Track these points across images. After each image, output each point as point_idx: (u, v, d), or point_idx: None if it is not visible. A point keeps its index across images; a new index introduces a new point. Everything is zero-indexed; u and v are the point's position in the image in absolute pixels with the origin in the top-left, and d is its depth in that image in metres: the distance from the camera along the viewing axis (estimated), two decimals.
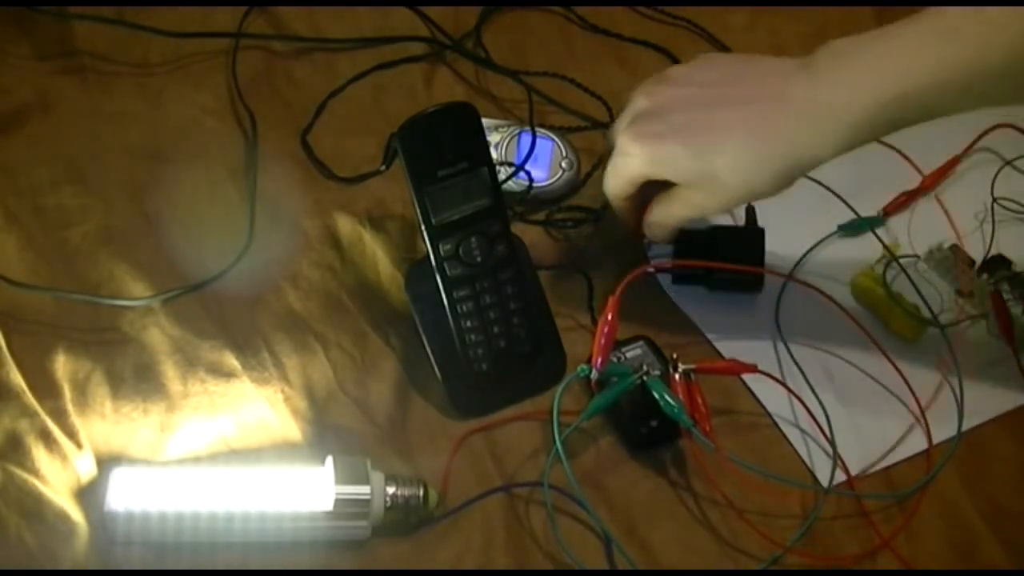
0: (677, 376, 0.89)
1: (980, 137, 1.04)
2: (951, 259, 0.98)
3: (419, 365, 0.92)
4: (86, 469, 0.85)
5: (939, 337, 0.95)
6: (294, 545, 0.83)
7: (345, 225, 0.98)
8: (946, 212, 0.98)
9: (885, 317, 0.96)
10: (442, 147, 0.86)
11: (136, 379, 0.90)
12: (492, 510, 0.87)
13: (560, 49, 1.11)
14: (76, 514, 0.83)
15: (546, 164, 1.01)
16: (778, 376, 0.93)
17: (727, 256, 0.95)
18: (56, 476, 0.85)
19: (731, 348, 0.94)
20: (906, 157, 1.00)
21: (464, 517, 0.86)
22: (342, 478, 0.82)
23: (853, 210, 1.02)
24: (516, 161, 0.99)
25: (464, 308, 0.89)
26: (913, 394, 0.92)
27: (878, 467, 0.90)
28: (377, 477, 0.83)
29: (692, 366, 0.89)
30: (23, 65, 1.07)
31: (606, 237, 0.99)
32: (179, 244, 0.96)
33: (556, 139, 1.01)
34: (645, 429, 0.89)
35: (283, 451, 0.88)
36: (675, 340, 0.94)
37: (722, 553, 0.86)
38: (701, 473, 0.88)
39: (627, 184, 0.91)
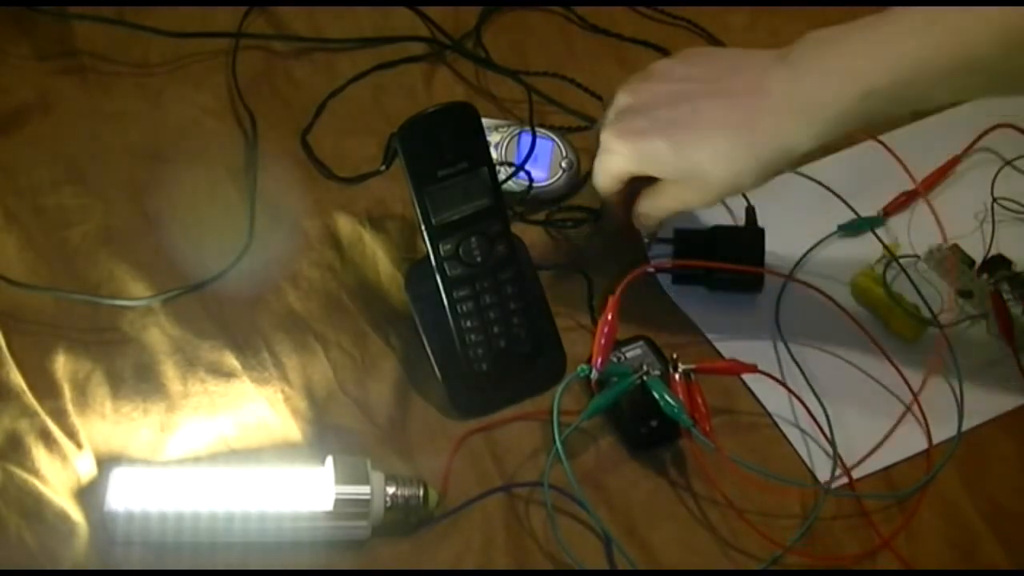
0: (677, 376, 0.89)
1: (980, 137, 1.04)
2: (951, 259, 0.98)
3: (419, 365, 0.92)
4: (86, 469, 0.85)
5: (939, 337, 0.95)
6: (294, 545, 0.83)
7: (345, 225, 0.98)
8: (935, 214, 0.98)
9: (885, 317, 0.96)
10: (442, 147, 0.86)
11: (136, 379, 0.90)
12: (492, 510, 0.87)
13: (560, 49, 1.11)
14: (76, 514, 0.83)
15: (546, 164, 1.01)
16: (778, 376, 0.93)
17: (727, 256, 0.95)
18: (56, 476, 0.85)
19: (731, 348, 0.94)
20: (902, 163, 1.00)
21: (464, 517, 0.86)
22: (342, 478, 0.82)
23: (853, 210, 1.02)
24: (516, 161, 0.99)
25: (464, 308, 0.89)
26: (913, 394, 0.92)
27: (878, 467, 0.90)
28: (377, 477, 0.83)
29: (692, 366, 0.89)
30: (23, 65, 1.07)
31: (606, 237, 0.99)
32: (179, 244, 0.97)
33: (556, 139, 1.02)
34: (645, 429, 0.89)
35: (283, 451, 0.88)
36: (675, 340, 0.94)
37: (722, 553, 0.86)
38: (701, 473, 0.88)
39: (613, 180, 0.91)
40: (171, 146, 1.03)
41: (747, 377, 0.93)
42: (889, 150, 1.01)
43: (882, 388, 0.93)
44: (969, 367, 0.93)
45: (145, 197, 0.99)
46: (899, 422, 0.91)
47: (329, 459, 0.83)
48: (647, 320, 0.94)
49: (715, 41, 1.12)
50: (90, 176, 1.01)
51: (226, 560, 0.83)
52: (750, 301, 0.97)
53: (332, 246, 0.98)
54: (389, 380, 0.92)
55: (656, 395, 0.87)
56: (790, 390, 0.92)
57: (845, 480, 0.89)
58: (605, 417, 0.90)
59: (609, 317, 0.88)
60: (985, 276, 0.96)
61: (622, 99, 0.91)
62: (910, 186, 1.02)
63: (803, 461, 0.90)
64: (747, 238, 0.97)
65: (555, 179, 1.00)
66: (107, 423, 0.88)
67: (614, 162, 0.90)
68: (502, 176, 0.94)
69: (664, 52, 1.11)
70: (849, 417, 0.91)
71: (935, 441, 0.91)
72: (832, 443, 0.90)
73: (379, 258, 0.97)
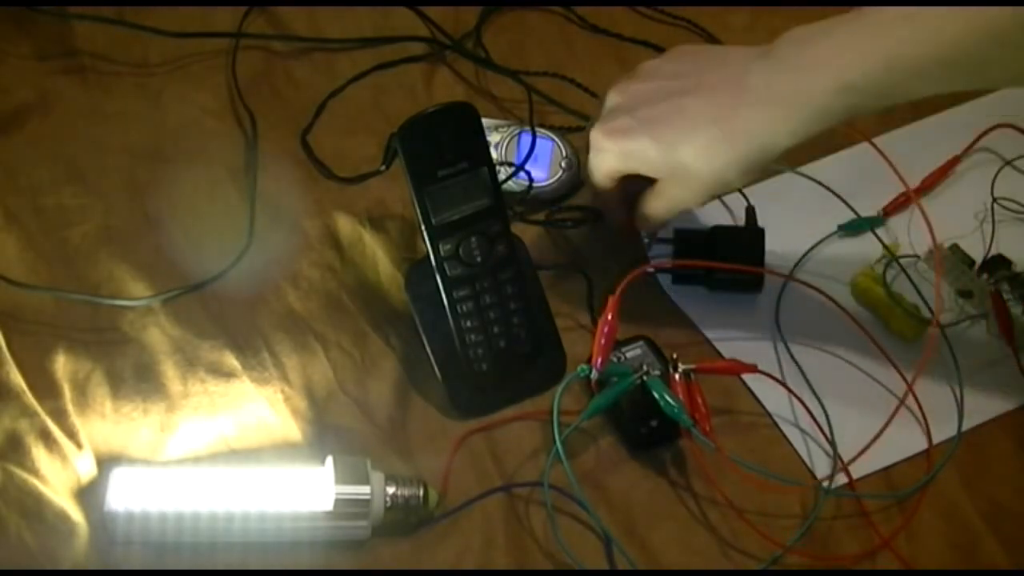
0: (677, 376, 0.89)
1: (980, 137, 1.04)
2: (951, 259, 0.98)
3: (419, 365, 0.92)
4: (86, 469, 0.85)
5: (939, 337, 0.95)
6: (294, 545, 0.83)
7: (345, 225, 0.98)
8: (926, 219, 0.98)
9: (885, 317, 0.96)
10: (442, 147, 0.86)
11: (136, 379, 0.90)
12: (492, 510, 0.87)
13: (560, 49, 1.11)
14: (76, 514, 0.83)
15: (546, 164, 1.01)
16: (778, 376, 0.93)
17: (727, 256, 0.95)
18: (56, 476, 0.85)
19: (731, 348, 0.94)
20: (894, 168, 1.00)
21: (464, 517, 0.86)
22: (342, 478, 0.82)
23: (853, 210, 1.02)
24: (516, 161, 0.99)
25: (464, 308, 0.89)
26: (913, 394, 0.92)
27: (878, 467, 0.90)
28: (377, 477, 0.83)
29: (692, 366, 0.89)
30: (23, 65, 1.07)
31: (606, 237, 0.99)
32: (179, 244, 0.97)
33: (556, 139, 1.02)
34: (645, 429, 0.89)
35: (283, 451, 0.88)
36: (675, 340, 0.94)
37: (722, 553, 0.86)
38: (701, 473, 0.88)
39: (604, 180, 0.92)
40: (171, 146, 1.03)
41: (747, 377, 0.93)
42: (882, 154, 1.00)
43: (882, 388, 0.93)
44: (969, 367, 0.93)
45: (145, 197, 0.99)
46: (899, 422, 0.91)
47: (329, 459, 0.83)
48: (647, 320, 0.94)
49: (715, 41, 1.12)
50: (90, 176, 1.01)
51: (226, 560, 0.83)
52: (750, 301, 0.97)
53: (332, 246, 0.98)
54: (389, 380, 0.92)
55: (656, 395, 0.87)
56: (790, 390, 0.92)
57: (845, 480, 0.89)
58: (605, 417, 0.90)
59: (609, 317, 0.88)
60: (985, 276, 0.96)
61: (611, 99, 0.92)
62: (910, 186, 1.02)
63: (803, 461, 0.90)
64: (747, 238, 0.97)
65: (555, 179, 1.00)
66: (107, 423, 0.88)
67: (603, 161, 0.91)
68: (502, 176, 0.94)
69: (664, 52, 1.11)
70: (849, 417, 0.91)
71: (935, 441, 0.91)
72: (832, 443, 0.90)
73: (379, 258, 0.97)
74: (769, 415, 0.92)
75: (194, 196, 1.00)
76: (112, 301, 0.93)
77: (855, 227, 1.01)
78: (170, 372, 0.91)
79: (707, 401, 0.89)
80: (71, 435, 0.87)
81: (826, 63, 0.83)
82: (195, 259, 0.95)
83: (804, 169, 1.03)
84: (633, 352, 0.92)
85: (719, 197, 1.00)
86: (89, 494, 0.84)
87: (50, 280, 0.94)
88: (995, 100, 1.05)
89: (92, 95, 1.05)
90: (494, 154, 0.99)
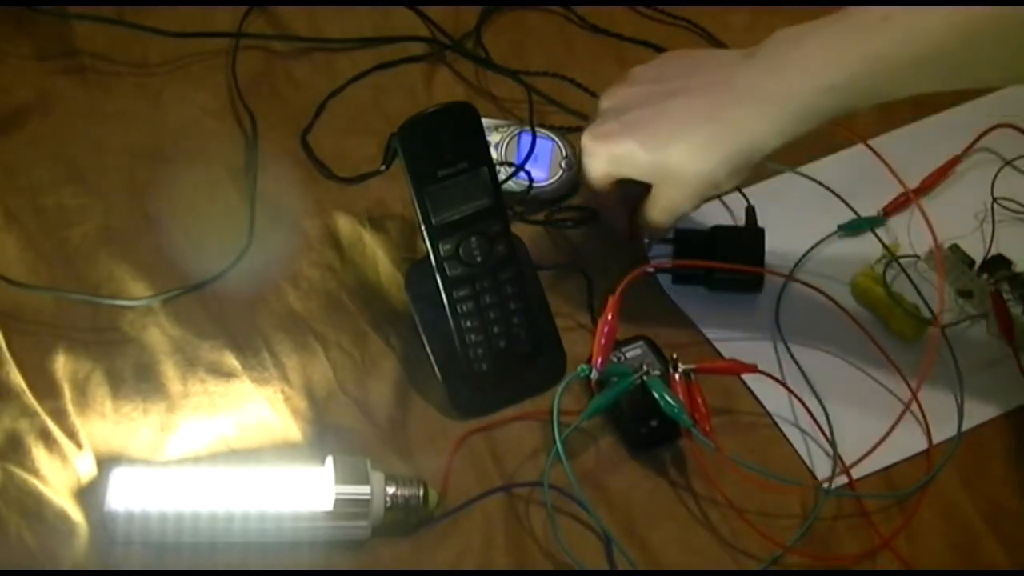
0: (677, 376, 0.89)
1: (980, 137, 1.04)
2: (951, 259, 0.98)
3: (419, 365, 0.92)
4: (86, 469, 0.85)
5: (939, 337, 0.95)
6: (294, 545, 0.83)
7: (345, 225, 0.98)
8: (926, 219, 0.98)
9: (885, 317, 0.96)
10: (442, 147, 0.86)
11: (136, 379, 0.90)
12: (492, 510, 0.87)
13: (560, 49, 1.11)
14: (76, 514, 0.83)
15: (546, 164, 1.01)
16: (778, 376, 0.93)
17: (727, 256, 0.95)
18: (56, 476, 0.85)
19: (731, 348, 0.94)
20: (891, 170, 1.00)
21: (464, 517, 0.86)
22: (342, 478, 0.82)
23: (853, 210, 1.02)
24: (516, 161, 0.99)
25: (464, 308, 0.89)
26: (913, 394, 0.92)
27: (878, 467, 0.90)
28: (377, 477, 0.83)
29: (692, 366, 0.89)
30: (23, 65, 1.07)
31: (606, 237, 0.99)
32: (179, 244, 0.97)
33: (556, 139, 1.02)
34: (645, 429, 0.89)
35: (283, 451, 0.88)
36: (675, 340, 0.94)
37: (722, 553, 0.86)
38: (701, 473, 0.88)
39: (598, 183, 0.92)
40: (171, 146, 1.03)
41: (747, 377, 0.93)
42: (879, 156, 1.01)
43: (882, 388, 0.93)
44: (969, 367, 0.93)
45: (145, 197, 1.00)
46: (899, 422, 0.91)
47: (329, 459, 0.83)
48: (647, 320, 0.94)
49: (715, 41, 1.12)
50: (90, 176, 1.01)
51: (226, 560, 0.83)
52: (750, 301, 0.97)
53: (332, 246, 0.98)
54: (389, 380, 0.92)
55: (656, 395, 0.87)
56: (790, 390, 0.92)
57: (845, 480, 0.89)
58: (605, 417, 0.90)
59: (609, 317, 0.88)
60: (985, 276, 0.96)
61: (601, 104, 0.93)
62: (911, 186, 1.02)
63: (803, 461, 0.90)
64: (747, 238, 0.98)
65: (555, 179, 1.00)
66: (107, 423, 0.88)
67: (593, 165, 0.92)
68: (502, 176, 0.94)
69: (664, 52, 1.11)
70: (849, 417, 0.91)
71: (935, 441, 0.91)
72: (832, 443, 0.90)
73: (379, 258, 0.97)
74: (769, 415, 0.92)
75: (194, 196, 1.00)
76: (112, 301, 0.93)
77: (855, 227, 1.01)
78: (170, 372, 0.91)
79: (707, 401, 0.89)
80: (71, 435, 0.87)
81: (811, 64, 0.84)
82: (195, 259, 0.95)
83: (804, 169, 1.03)
84: (633, 352, 0.92)
85: (718, 197, 1.00)
86: (89, 494, 0.84)
87: (50, 280, 0.94)
88: (995, 100, 1.05)
89: (92, 95, 1.06)
90: (494, 154, 0.99)
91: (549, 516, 0.86)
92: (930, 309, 0.95)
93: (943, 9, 0.79)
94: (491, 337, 0.90)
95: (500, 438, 0.90)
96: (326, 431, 0.89)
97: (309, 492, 0.83)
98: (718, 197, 1.00)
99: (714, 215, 0.99)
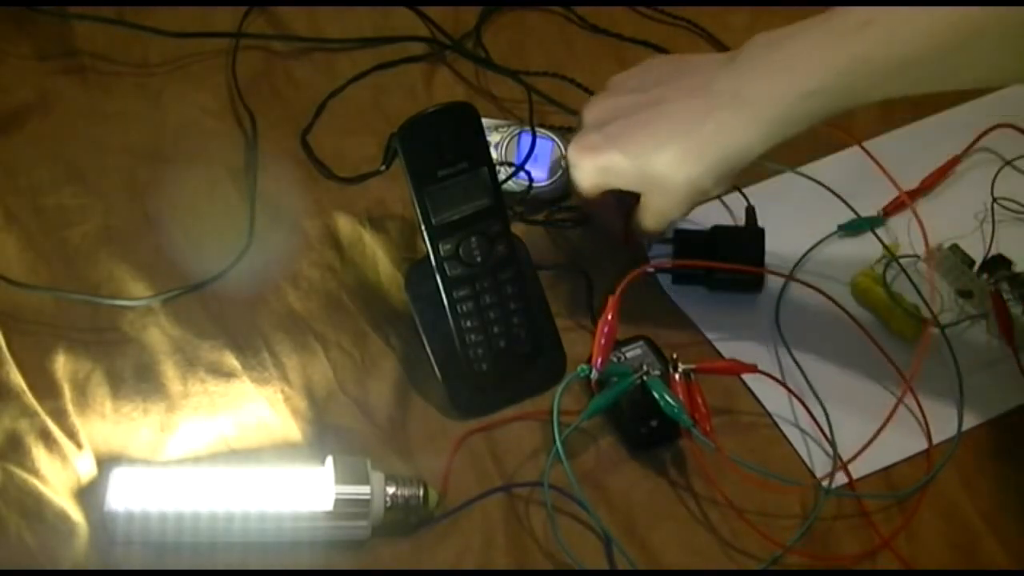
0: (677, 376, 0.89)
1: (980, 137, 1.04)
2: (951, 259, 0.98)
3: (419, 365, 0.92)
4: (86, 469, 0.85)
5: (939, 337, 0.95)
6: (294, 545, 0.83)
7: (345, 225, 0.98)
8: (920, 223, 0.98)
9: (885, 317, 0.96)
10: (442, 147, 0.86)
11: (136, 379, 0.90)
12: (492, 510, 0.87)
13: (560, 49, 1.11)
14: (76, 514, 0.83)
15: (546, 164, 1.01)
16: (778, 376, 0.93)
17: (727, 256, 0.95)
18: (56, 476, 0.85)
19: (731, 348, 0.94)
20: (887, 173, 1.00)
21: (464, 517, 0.86)
22: (342, 478, 0.82)
23: (853, 210, 1.02)
24: (516, 161, 0.99)
25: (464, 308, 0.89)
26: (913, 394, 0.92)
27: (878, 467, 0.90)
28: (377, 477, 0.83)
29: (692, 366, 0.89)
30: (23, 65, 1.07)
31: (605, 238, 0.99)
32: (179, 244, 0.97)
33: (556, 139, 1.02)
34: (645, 429, 0.89)
35: (283, 451, 0.88)
36: (675, 340, 0.94)
37: (722, 553, 0.86)
38: (701, 473, 0.88)
39: (588, 193, 0.92)
40: (171, 146, 1.03)
41: (747, 377, 0.93)
42: (873, 158, 1.01)
43: (882, 388, 0.93)
44: (969, 367, 0.93)
45: (145, 197, 1.00)
46: (899, 422, 0.91)
47: (329, 459, 0.83)
48: (647, 320, 0.94)
49: (715, 41, 1.12)
50: (90, 176, 1.01)
51: (226, 560, 0.83)
52: (750, 301, 0.97)
53: (332, 246, 0.98)
54: (389, 380, 0.92)
55: (656, 395, 0.87)
56: (790, 390, 0.92)
57: (845, 480, 0.89)
58: (605, 417, 0.90)
59: (609, 317, 0.88)
60: (985, 276, 0.96)
61: (585, 116, 0.92)
62: (910, 186, 1.02)
63: (803, 461, 0.90)
64: (747, 238, 0.98)
65: (555, 179, 1.00)
66: (107, 423, 0.88)
67: (581, 178, 0.92)
68: (502, 176, 0.94)
69: (664, 52, 1.11)
70: (849, 417, 0.91)
71: (935, 441, 0.91)
72: (832, 443, 0.90)
73: (379, 258, 0.97)
74: (769, 415, 0.92)
75: (194, 196, 1.00)
76: (112, 301, 0.93)
77: (855, 227, 1.01)
78: (170, 372, 0.91)
79: (707, 401, 0.89)
80: (71, 435, 0.87)
81: (790, 68, 0.84)
82: (195, 259, 0.95)
83: (804, 169, 1.03)
84: (633, 352, 0.92)
85: (718, 197, 1.00)
86: (89, 494, 0.84)
87: (50, 280, 0.94)
88: (995, 100, 1.05)
89: (92, 95, 1.06)
90: (494, 154, 0.99)
91: (549, 516, 0.86)
92: (930, 309, 0.95)
93: (925, 12, 0.79)
94: (491, 337, 0.90)
95: (500, 438, 0.90)
96: (326, 431, 0.89)
97: (309, 492, 0.83)
98: (718, 197, 1.00)
99: (714, 215, 0.99)
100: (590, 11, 1.13)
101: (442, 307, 0.89)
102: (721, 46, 1.12)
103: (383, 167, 0.90)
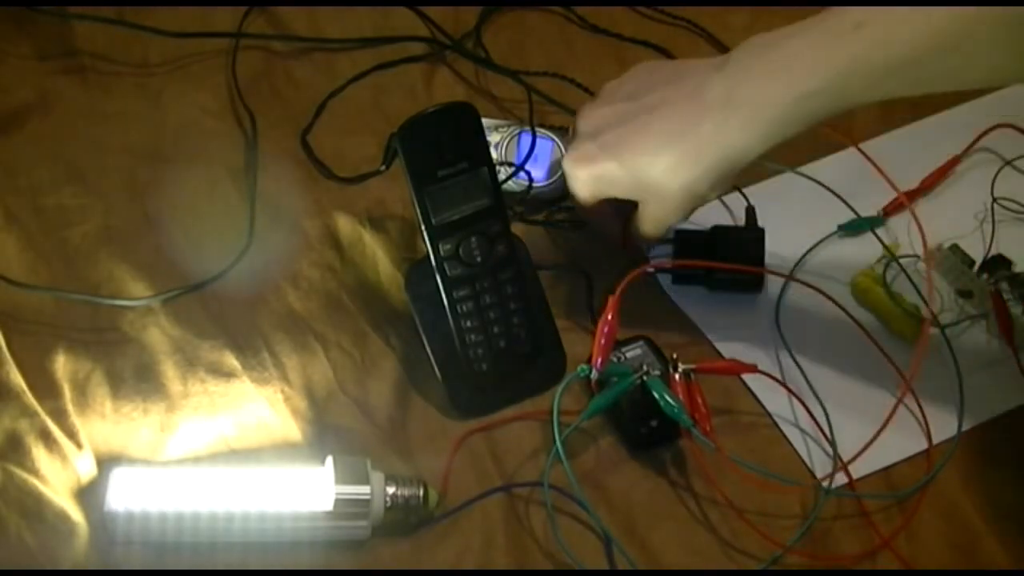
0: (677, 376, 0.89)
1: (980, 137, 1.04)
2: (951, 259, 0.98)
3: (419, 365, 0.92)
4: (86, 469, 0.85)
5: (939, 337, 0.95)
6: (294, 545, 0.83)
7: (345, 225, 0.98)
8: (918, 224, 0.98)
9: (885, 317, 0.96)
10: (442, 147, 0.86)
11: (136, 379, 0.90)
12: (492, 510, 0.86)
13: (560, 49, 1.11)
14: (76, 514, 0.83)
15: (546, 164, 1.01)
16: (778, 376, 0.93)
17: (727, 256, 0.95)
18: (56, 476, 0.85)
19: (731, 348, 0.94)
20: (884, 174, 1.00)
21: (464, 517, 0.86)
22: (342, 478, 0.82)
23: (853, 210, 1.02)
24: (516, 161, 0.99)
25: (464, 308, 0.89)
26: (913, 394, 0.92)
27: (878, 467, 0.90)
28: (377, 477, 0.83)
29: (692, 366, 0.89)
30: (23, 65, 1.07)
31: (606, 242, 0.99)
32: (179, 244, 0.97)
33: (556, 139, 1.02)
34: (645, 429, 0.89)
35: (283, 451, 0.88)
36: (675, 340, 0.94)
37: (722, 553, 0.86)
38: (701, 473, 0.88)
39: (586, 202, 0.93)
40: (171, 146, 1.03)
41: (747, 377, 0.93)
42: (870, 160, 1.00)
43: (882, 388, 0.93)
44: (969, 367, 0.93)
45: (145, 197, 1.00)
46: (899, 422, 0.91)
47: (329, 459, 0.83)
48: (647, 320, 0.94)
49: (715, 41, 1.12)
50: (90, 176, 1.01)
51: (226, 560, 0.83)
52: (750, 301, 0.97)
53: (332, 246, 0.98)
54: (389, 380, 0.92)
55: (656, 395, 0.87)
56: (790, 390, 0.92)
57: (845, 480, 0.89)
58: (605, 417, 0.90)
59: (609, 317, 0.88)
60: (985, 276, 0.96)
61: (579, 125, 0.93)
62: (910, 186, 1.02)
63: (803, 461, 0.90)
64: (747, 238, 0.98)
65: (555, 179, 1.00)
66: (107, 423, 0.88)
67: (577, 188, 0.92)
68: (502, 176, 0.94)
69: (664, 52, 1.11)
70: (849, 417, 0.91)
71: (935, 441, 0.91)
72: (832, 443, 0.90)
73: (379, 258, 0.97)
74: (769, 415, 0.92)
75: (194, 196, 1.00)
76: (112, 301, 0.93)
77: (855, 227, 1.01)
78: (170, 372, 0.91)
79: (707, 401, 0.89)
80: (71, 435, 0.86)
81: (783, 71, 0.83)
82: (195, 259, 0.95)
83: (804, 169, 1.03)
84: (633, 352, 0.92)
85: (722, 198, 1.00)
86: (89, 494, 0.84)
87: (50, 280, 0.94)
88: (995, 100, 1.05)
89: (92, 95, 1.06)
90: (494, 154, 0.99)
91: (549, 516, 0.86)
92: (930, 310, 0.95)
93: (920, 12, 0.78)
94: (491, 337, 0.90)
95: (500, 438, 0.90)
96: (326, 431, 0.89)
97: (309, 492, 0.83)
98: (717, 198, 1.00)
99: (714, 215, 0.99)
100: (590, 11, 1.13)
101: (442, 307, 0.89)
102: (721, 46, 1.12)
103: (383, 167, 0.90)
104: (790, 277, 0.98)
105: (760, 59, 0.85)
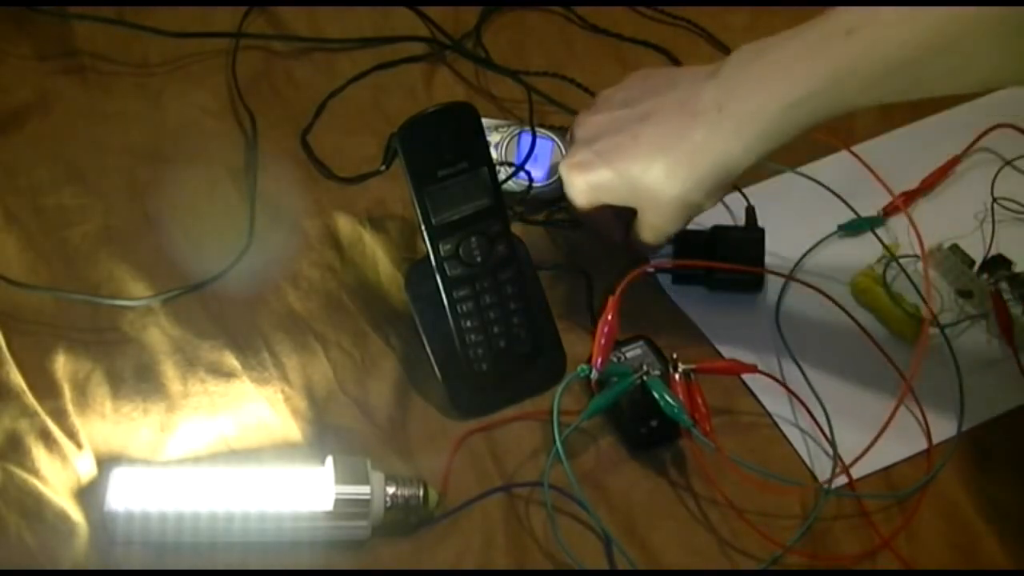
0: (677, 376, 0.89)
1: (980, 137, 1.05)
2: (951, 259, 0.98)
3: (419, 365, 0.92)
4: (86, 469, 0.85)
5: (939, 337, 0.95)
6: (294, 545, 0.83)
7: (345, 225, 0.98)
8: (914, 225, 0.98)
9: (885, 317, 0.96)
10: (442, 147, 0.86)
11: (136, 379, 0.90)
12: (492, 510, 0.86)
13: (560, 49, 1.11)
14: (76, 514, 0.83)
15: (546, 164, 1.01)
16: (778, 376, 0.93)
17: (727, 256, 0.95)
18: (56, 476, 0.85)
19: (731, 348, 0.94)
20: (878, 177, 1.00)
21: (464, 517, 0.86)
22: (342, 478, 0.82)
23: (853, 210, 1.02)
24: (516, 161, 0.99)
25: (464, 308, 0.89)
26: (913, 394, 0.92)
27: (878, 467, 0.90)
28: (377, 477, 0.83)
29: (692, 366, 0.89)
30: (23, 65, 1.07)
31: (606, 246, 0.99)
32: (179, 244, 0.97)
33: (556, 139, 1.02)
34: (645, 429, 0.89)
35: (283, 451, 0.88)
36: (675, 340, 0.94)
37: (722, 553, 0.86)
38: (701, 473, 0.88)
39: (584, 208, 0.92)
40: (171, 146, 1.03)
41: (747, 377, 0.93)
42: (863, 162, 1.00)
43: (882, 388, 0.93)
44: (969, 367, 0.93)
45: (145, 197, 1.00)
46: (899, 422, 0.91)
47: (329, 459, 0.83)
48: (647, 320, 0.94)
49: (715, 41, 1.12)
50: (90, 176, 1.01)
51: (226, 560, 0.83)
52: (750, 301, 0.97)
53: (332, 246, 0.98)
54: (389, 380, 0.92)
55: (656, 395, 0.87)
56: (790, 390, 0.92)
57: (845, 480, 0.89)
58: (605, 417, 0.90)
59: (609, 317, 0.88)
60: (985, 276, 0.96)
61: (576, 132, 0.93)
62: (910, 186, 1.02)
63: (803, 461, 0.90)
64: (747, 238, 0.98)
65: (555, 179, 1.00)
66: (107, 423, 0.88)
67: (574, 195, 0.92)
68: (502, 176, 0.94)
69: (664, 52, 1.11)
70: (849, 417, 0.91)
71: (935, 441, 0.91)
72: (832, 443, 0.90)
73: (379, 258, 0.97)
74: (769, 415, 0.92)
75: (194, 196, 1.00)
76: (112, 301, 0.93)
77: (855, 227, 1.01)
78: (170, 372, 0.91)
79: (707, 401, 0.89)
80: (71, 435, 0.86)
81: (772, 80, 0.84)
82: (195, 259, 0.95)
83: (804, 169, 1.03)
84: (633, 352, 0.92)
85: (725, 200, 1.00)
86: (89, 494, 0.84)
87: (50, 280, 0.94)
88: (995, 100, 1.05)
89: (92, 95, 1.06)
90: (494, 154, 0.99)
91: (549, 516, 0.86)
92: (930, 309, 0.95)
93: (908, 17, 0.78)
94: (491, 337, 0.90)
95: (500, 438, 0.90)
96: (326, 431, 0.89)
97: (309, 492, 0.83)
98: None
99: (714, 215, 0.99)
100: (590, 11, 1.13)
101: (442, 307, 0.89)
102: (721, 46, 1.12)
103: (383, 167, 0.90)
104: (790, 277, 0.98)
105: (750, 68, 0.85)
